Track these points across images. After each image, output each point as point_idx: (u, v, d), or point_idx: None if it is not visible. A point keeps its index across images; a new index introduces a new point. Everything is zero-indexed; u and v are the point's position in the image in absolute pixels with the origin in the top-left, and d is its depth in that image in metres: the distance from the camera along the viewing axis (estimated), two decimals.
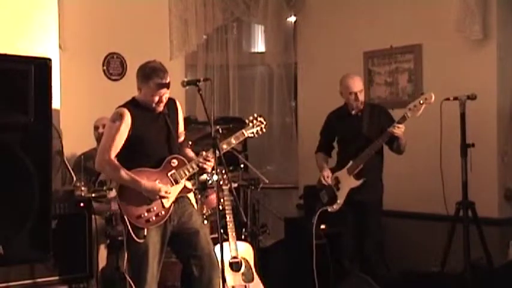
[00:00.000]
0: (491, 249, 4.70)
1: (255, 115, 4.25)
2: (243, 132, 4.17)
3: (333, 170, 5.02)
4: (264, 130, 4.25)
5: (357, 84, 4.93)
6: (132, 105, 3.93)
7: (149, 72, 3.86)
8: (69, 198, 4.41)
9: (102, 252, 4.95)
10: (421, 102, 4.66)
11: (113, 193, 4.65)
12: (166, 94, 3.89)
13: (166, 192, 3.87)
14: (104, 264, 4.99)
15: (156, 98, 3.87)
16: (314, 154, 5.26)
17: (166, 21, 6.47)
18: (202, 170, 4.05)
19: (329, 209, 4.97)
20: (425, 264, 5.08)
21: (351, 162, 4.89)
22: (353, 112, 4.99)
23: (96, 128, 5.37)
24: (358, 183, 4.87)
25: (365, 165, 4.84)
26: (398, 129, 4.70)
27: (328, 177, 4.97)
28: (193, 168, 3.98)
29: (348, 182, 4.91)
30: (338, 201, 4.94)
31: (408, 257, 5.56)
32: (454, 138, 4.64)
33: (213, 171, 4.03)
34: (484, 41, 5.27)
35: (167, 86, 3.86)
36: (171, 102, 4.03)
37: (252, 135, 4.21)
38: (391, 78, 6.00)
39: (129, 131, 3.86)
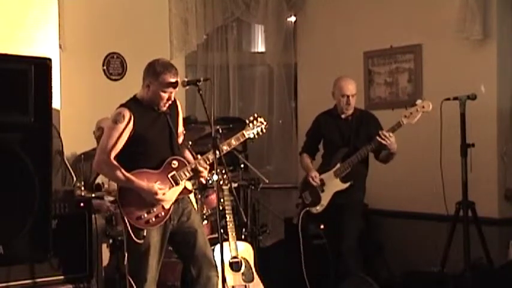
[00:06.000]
0: (491, 249, 4.71)
1: (255, 115, 4.23)
2: (243, 133, 4.16)
3: (318, 172, 5.02)
4: (264, 131, 4.23)
5: (351, 88, 4.93)
6: (135, 103, 3.92)
7: (160, 68, 3.84)
8: (69, 198, 4.40)
9: (105, 252, 4.95)
10: (418, 110, 4.66)
11: (110, 197, 4.66)
12: (174, 92, 3.89)
13: (163, 194, 3.85)
14: (106, 263, 4.99)
15: (166, 95, 3.86)
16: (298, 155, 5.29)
17: (166, 21, 6.46)
18: (197, 174, 4.01)
19: (313, 211, 4.97)
20: (425, 264, 5.08)
21: (338, 165, 4.89)
22: (343, 116, 4.99)
23: (99, 128, 5.32)
24: (344, 186, 4.88)
25: (351, 170, 4.84)
26: (387, 139, 4.68)
27: (316, 177, 4.97)
28: (188, 172, 3.97)
29: (334, 185, 4.91)
30: (322, 203, 4.94)
31: (408, 257, 5.56)
32: (454, 138, 4.64)
33: (213, 171, 4.02)
34: (484, 41, 5.27)
35: (177, 83, 3.86)
36: (172, 102, 4.01)
37: (253, 135, 4.20)
38: (391, 78, 6.00)
39: (130, 132, 3.84)
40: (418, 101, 4.73)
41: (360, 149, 4.82)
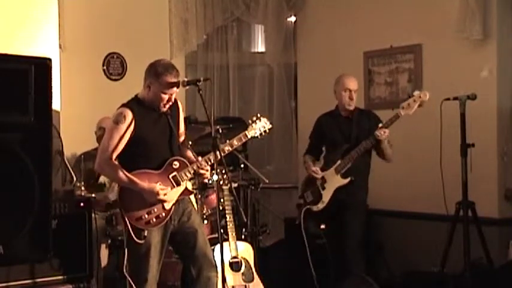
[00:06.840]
0: (491, 249, 4.71)
1: (258, 115, 4.24)
2: (245, 134, 4.16)
3: (320, 170, 5.01)
4: (267, 131, 4.24)
5: (353, 83, 4.96)
6: (136, 104, 3.91)
7: (161, 70, 3.84)
8: (69, 198, 4.41)
9: (104, 252, 4.95)
10: (415, 100, 4.66)
11: (112, 195, 4.66)
12: (174, 93, 3.89)
13: (165, 195, 3.86)
14: (105, 263, 4.99)
15: (166, 97, 3.86)
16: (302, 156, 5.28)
17: (166, 21, 6.47)
18: (199, 176, 4.01)
19: (314, 209, 4.96)
20: (425, 264, 5.08)
21: (339, 162, 4.88)
22: (343, 114, 4.99)
23: (100, 128, 5.31)
24: (345, 181, 4.85)
25: (352, 166, 4.83)
26: (384, 134, 4.69)
27: (317, 170, 4.97)
28: (190, 173, 3.96)
29: (335, 181, 4.89)
30: (323, 200, 4.92)
31: (408, 257, 5.56)
32: (454, 138, 4.64)
33: (213, 171, 4.02)
34: (484, 41, 5.27)
35: (178, 84, 3.86)
36: (173, 102, 4.01)
37: (255, 135, 4.20)
38: (391, 78, 6.00)
39: (131, 132, 3.84)
40: (416, 92, 4.73)
41: (359, 144, 4.82)
